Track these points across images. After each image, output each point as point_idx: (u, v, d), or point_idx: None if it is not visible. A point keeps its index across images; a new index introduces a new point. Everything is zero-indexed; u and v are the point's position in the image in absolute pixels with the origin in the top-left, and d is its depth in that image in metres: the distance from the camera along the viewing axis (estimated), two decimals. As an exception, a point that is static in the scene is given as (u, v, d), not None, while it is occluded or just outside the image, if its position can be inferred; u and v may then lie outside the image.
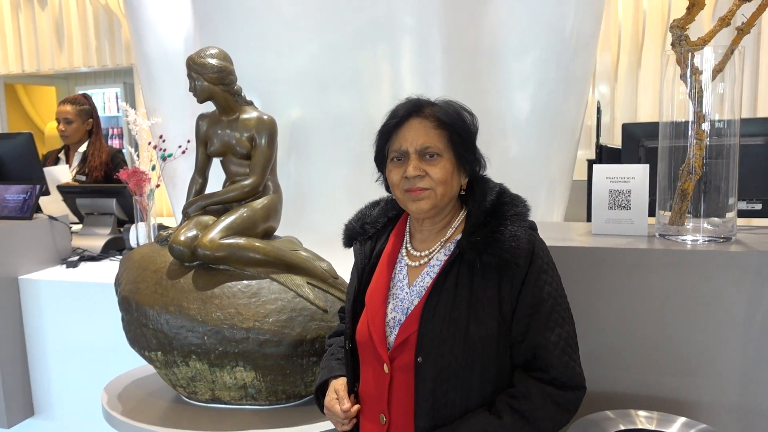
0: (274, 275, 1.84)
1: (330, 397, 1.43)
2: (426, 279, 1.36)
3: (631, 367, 1.85)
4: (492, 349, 1.28)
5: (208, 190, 2.09)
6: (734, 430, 1.79)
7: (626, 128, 2.31)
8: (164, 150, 2.80)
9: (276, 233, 2.06)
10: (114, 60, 6.43)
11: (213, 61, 1.91)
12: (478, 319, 1.27)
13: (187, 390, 1.86)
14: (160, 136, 2.84)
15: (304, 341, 1.77)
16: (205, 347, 1.74)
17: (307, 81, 2.55)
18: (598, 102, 2.87)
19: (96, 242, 3.10)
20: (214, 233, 1.82)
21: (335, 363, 1.50)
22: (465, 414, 1.28)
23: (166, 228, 2.09)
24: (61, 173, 3.49)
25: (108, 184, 3.43)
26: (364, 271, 1.47)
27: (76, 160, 3.68)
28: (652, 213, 2.04)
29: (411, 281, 1.38)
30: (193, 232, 1.86)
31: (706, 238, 1.91)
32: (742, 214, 2.15)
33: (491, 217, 1.31)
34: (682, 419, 1.57)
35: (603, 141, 3.83)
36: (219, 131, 2.00)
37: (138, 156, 3.26)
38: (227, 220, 1.87)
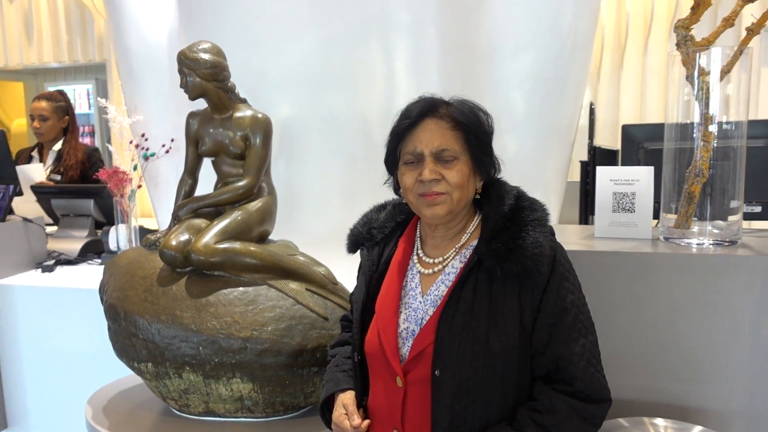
0: (272, 281, 1.76)
1: (338, 413, 1.35)
2: (441, 287, 1.29)
3: (637, 374, 1.81)
4: (513, 360, 1.21)
5: (198, 191, 2.00)
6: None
7: (626, 130, 2.27)
8: (147, 149, 2.68)
9: (269, 237, 1.98)
10: (86, 55, 6.24)
11: (206, 56, 1.82)
12: (498, 329, 1.21)
13: (179, 403, 1.76)
14: (143, 135, 2.72)
15: (305, 351, 1.68)
16: (199, 358, 1.65)
17: (297, 79, 2.46)
18: (591, 103, 2.84)
19: (72, 245, 2.97)
20: (208, 237, 1.73)
21: (341, 375, 1.42)
22: (485, 429, 1.22)
23: (153, 231, 1.99)
24: (35, 172, 3.34)
25: (85, 185, 3.30)
26: (372, 279, 1.39)
27: (50, 158, 3.53)
28: (655, 216, 2.01)
29: (424, 290, 1.31)
30: (186, 237, 1.76)
31: (712, 242, 1.88)
32: (730, 212, 2.13)
33: (510, 222, 1.25)
34: (698, 428, 1.54)
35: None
36: (211, 130, 1.90)
37: (111, 155, 3.17)
38: (222, 224, 1.78)
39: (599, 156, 2.79)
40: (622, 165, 2.31)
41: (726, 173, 1.87)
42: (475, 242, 1.30)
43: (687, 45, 1.91)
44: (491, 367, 1.20)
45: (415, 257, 1.36)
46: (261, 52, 2.41)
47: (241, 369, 1.66)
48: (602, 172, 2.01)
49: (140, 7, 2.78)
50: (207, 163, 2.02)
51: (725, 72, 1.84)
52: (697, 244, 1.88)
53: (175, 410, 1.81)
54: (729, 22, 1.96)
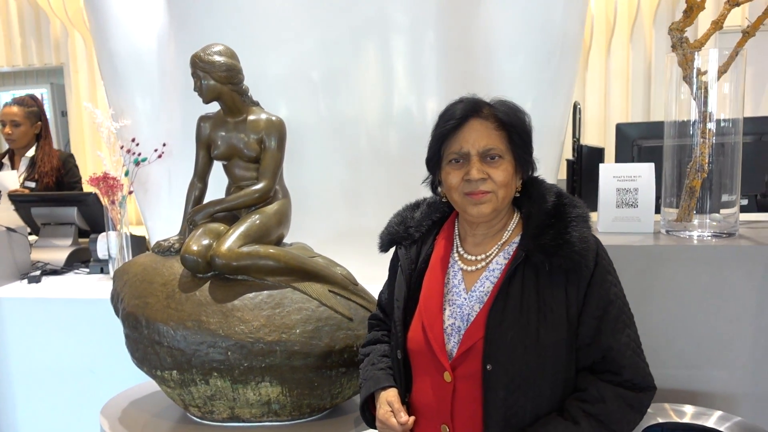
0: (295, 284, 1.75)
1: (384, 410, 1.36)
2: (486, 284, 1.32)
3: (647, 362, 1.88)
4: (561, 353, 1.26)
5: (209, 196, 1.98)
6: (747, 417, 1.86)
7: (620, 128, 2.36)
8: (138, 154, 2.63)
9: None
10: (42, 59, 6.02)
11: (221, 59, 1.80)
12: (547, 323, 1.25)
13: (202, 410, 1.74)
14: (133, 139, 2.66)
15: (333, 352, 1.69)
16: (228, 363, 1.64)
17: (296, 81, 2.46)
18: (577, 102, 2.93)
19: (56, 255, 2.87)
20: (231, 242, 1.71)
21: (380, 373, 1.44)
22: (535, 421, 1.25)
23: (164, 240, 1.94)
24: (8, 180, 3.22)
25: (70, 192, 3.19)
26: (411, 277, 1.41)
27: (23, 165, 3.40)
28: (656, 210, 2.09)
29: (468, 286, 1.34)
30: (207, 241, 1.74)
31: (711, 234, 1.98)
32: (723, 205, 2.24)
33: (555, 219, 1.29)
34: (718, 413, 1.61)
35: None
36: (224, 133, 1.89)
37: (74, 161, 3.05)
38: (242, 228, 1.76)
39: (586, 154, 2.88)
40: (617, 162, 2.39)
41: (724, 168, 1.97)
42: (516, 239, 1.34)
43: (683, 47, 2.00)
44: (542, 360, 1.24)
45: (455, 255, 1.39)
46: (259, 54, 2.39)
47: (271, 372, 1.65)
48: (605, 170, 2.09)
49: (125, 8, 2.71)
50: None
51: (722, 72, 1.94)
52: (698, 236, 1.97)
53: (195, 417, 1.79)
54: (718, 25, 2.06)
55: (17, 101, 3.36)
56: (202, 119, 1.93)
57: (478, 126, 1.30)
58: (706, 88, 1.95)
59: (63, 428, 2.49)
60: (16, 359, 2.50)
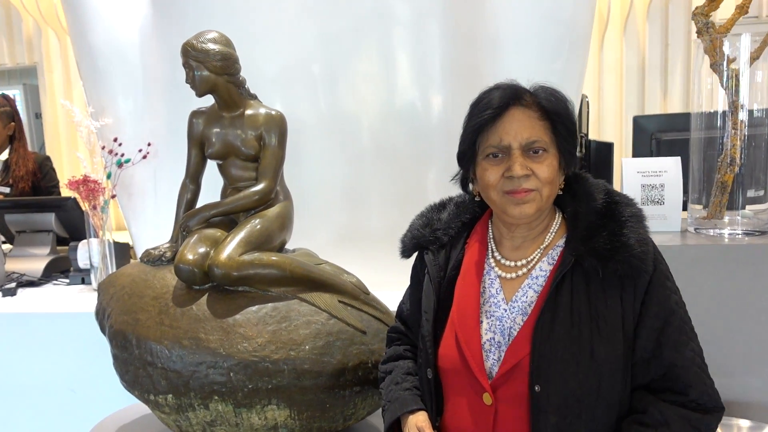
0: (302, 295, 1.59)
1: None
2: (529, 293, 1.18)
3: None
4: (617, 369, 1.11)
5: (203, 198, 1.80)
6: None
7: (637, 121, 2.23)
8: (121, 155, 2.44)
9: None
10: (13, 59, 5.77)
11: (216, 47, 1.63)
12: (602, 336, 1.10)
13: (201, 436, 1.56)
14: (115, 139, 2.47)
15: (346, 369, 1.53)
16: (230, 385, 1.47)
17: (294, 76, 2.29)
18: (584, 95, 2.80)
19: (33, 264, 2.67)
20: (231, 249, 1.54)
21: (406, 394, 1.28)
22: (589, 447, 1.11)
23: (154, 248, 1.76)
24: (-20, 185, 3.01)
25: (47, 197, 2.99)
26: (441, 286, 1.26)
27: (-5, 169, 3.19)
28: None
29: (508, 296, 1.19)
30: (203, 249, 1.57)
31: (743, 232, 1.85)
32: (749, 201, 2.12)
33: (606, 219, 1.15)
34: (747, 422, 1.49)
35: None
36: (220, 130, 1.72)
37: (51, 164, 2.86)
38: (242, 234, 1.59)
39: (594, 149, 2.75)
40: (634, 157, 2.26)
41: (757, 161, 1.85)
42: (560, 242, 1.20)
43: (709, 32, 1.87)
44: (596, 379, 1.10)
45: (491, 260, 1.24)
46: (254, 48, 2.21)
47: (278, 394, 1.48)
48: (629, 164, 1.96)
49: (105, 0, 2.52)
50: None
51: (754, 58, 1.81)
52: (730, 234, 1.85)
53: (193, 445, 1.61)
54: (743, 9, 1.94)
55: (-12, 101, 3.14)
56: (195, 114, 1.76)
57: (520, 115, 1.16)
58: (736, 77, 1.82)
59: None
60: (-9, 379, 2.30)
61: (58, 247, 2.81)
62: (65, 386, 2.25)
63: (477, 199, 1.26)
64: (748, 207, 1.93)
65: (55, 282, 2.61)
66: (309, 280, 1.62)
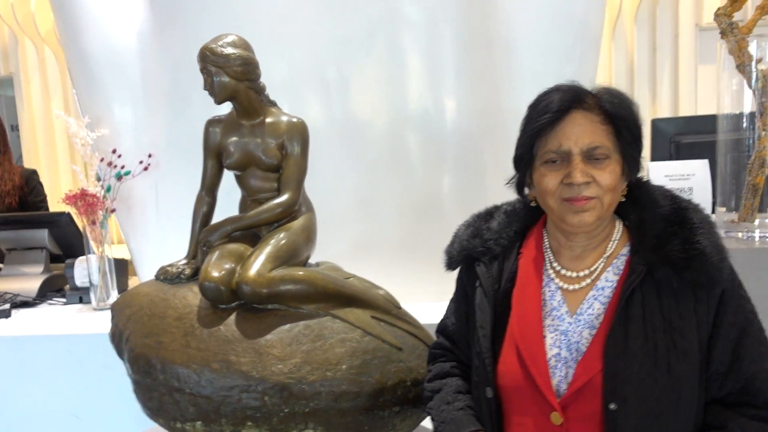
0: (334, 311, 1.51)
1: None
2: (595, 305, 1.11)
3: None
4: (694, 384, 1.06)
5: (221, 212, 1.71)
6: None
7: (655, 124, 2.20)
8: (122, 167, 2.33)
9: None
10: (-12, 69, 5.57)
11: (236, 51, 1.54)
12: (678, 350, 1.05)
13: (231, 465, 1.47)
14: (113, 151, 2.36)
15: (385, 389, 1.45)
16: (265, 410, 1.38)
17: (302, 82, 2.21)
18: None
19: (26, 284, 2.53)
20: (259, 265, 1.45)
21: (461, 414, 1.21)
22: (667, 466, 1.05)
23: (170, 265, 1.66)
24: (-36, 202, 2.86)
25: (39, 212, 2.85)
26: (496, 299, 1.19)
27: (-21, 185, 3.03)
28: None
29: (572, 309, 1.13)
30: (229, 265, 1.48)
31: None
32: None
33: (676, 226, 1.09)
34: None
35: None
36: (239, 139, 1.63)
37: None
38: (269, 248, 1.51)
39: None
40: (652, 161, 2.23)
41: (787, 162, 1.82)
42: (624, 250, 1.14)
43: (734, 33, 1.85)
44: (675, 395, 1.04)
45: (550, 271, 1.17)
46: (261, 53, 2.11)
47: (315, 418, 1.40)
48: (655, 168, 1.92)
49: (99, 4, 2.41)
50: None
51: (783, 58, 1.79)
52: (761, 237, 1.82)
53: (219, 473, 1.51)
54: (765, 9, 1.92)
55: (-29, 113, 2.99)
56: (211, 123, 1.67)
57: (581, 119, 1.10)
58: (765, 77, 1.79)
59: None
60: (-13, 407, 2.16)
61: (52, 265, 2.68)
62: (68, 413, 2.12)
63: (533, 204, 1.20)
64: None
65: (50, 301, 2.48)
66: (340, 296, 1.53)
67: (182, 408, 1.41)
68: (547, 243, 1.21)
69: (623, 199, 1.16)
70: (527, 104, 2.43)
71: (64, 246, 2.65)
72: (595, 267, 1.14)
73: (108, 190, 2.33)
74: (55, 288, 2.57)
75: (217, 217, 1.69)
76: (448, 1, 2.21)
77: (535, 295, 1.15)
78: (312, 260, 1.76)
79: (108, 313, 2.17)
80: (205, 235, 1.58)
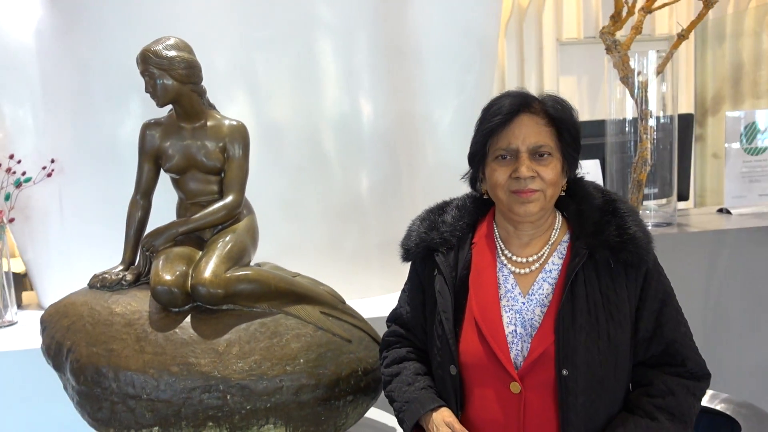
0: (287, 308, 1.55)
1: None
2: (544, 286, 1.27)
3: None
4: (627, 350, 1.24)
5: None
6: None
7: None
8: (23, 173, 2.19)
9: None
10: None
11: (181, 54, 1.54)
12: (615, 321, 1.22)
13: (186, 469, 1.46)
14: (11, 156, 2.21)
15: (341, 379, 1.52)
16: (227, 409, 1.39)
17: (219, 86, 2.20)
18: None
19: None
20: (214, 267, 1.47)
21: (423, 394, 1.31)
22: (608, 422, 1.22)
23: (105, 272, 1.61)
24: None
25: None
26: (455, 285, 1.31)
27: None
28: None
29: (524, 290, 1.27)
30: (181, 268, 1.47)
31: (654, 224, 2.12)
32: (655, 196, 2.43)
33: (610, 215, 1.27)
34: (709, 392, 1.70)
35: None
36: (180, 142, 1.62)
37: None
38: (220, 250, 1.52)
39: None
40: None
41: (664, 161, 2.12)
42: (565, 238, 1.30)
43: (617, 49, 2.13)
44: (614, 359, 1.21)
45: (502, 257, 1.31)
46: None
47: (276, 412, 1.44)
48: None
49: (-11, 0, 2.25)
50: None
51: (659, 72, 2.09)
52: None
53: (172, 479, 1.50)
54: (638, 30, 2.22)
55: None
56: (148, 126, 1.64)
57: (528, 121, 1.24)
58: (645, 88, 2.08)
59: None
60: None
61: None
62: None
63: (485, 197, 1.33)
64: (652, 202, 2.20)
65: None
66: (290, 294, 1.58)
67: (137, 415, 1.39)
68: (497, 233, 1.34)
69: (563, 194, 1.32)
70: (436, 109, 2.60)
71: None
72: (541, 252, 1.29)
73: (7, 198, 2.17)
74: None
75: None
76: (364, 9, 2.31)
77: (492, 280, 1.28)
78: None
79: (7, 331, 2.05)
80: (149, 239, 1.56)
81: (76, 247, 2.32)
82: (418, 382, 1.34)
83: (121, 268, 1.63)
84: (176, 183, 1.67)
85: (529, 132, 1.23)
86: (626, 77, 2.10)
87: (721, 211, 2.54)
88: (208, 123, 1.64)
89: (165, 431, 1.40)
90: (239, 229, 1.62)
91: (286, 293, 1.57)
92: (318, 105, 2.29)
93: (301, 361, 1.48)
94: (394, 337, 1.46)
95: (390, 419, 1.79)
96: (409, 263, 1.42)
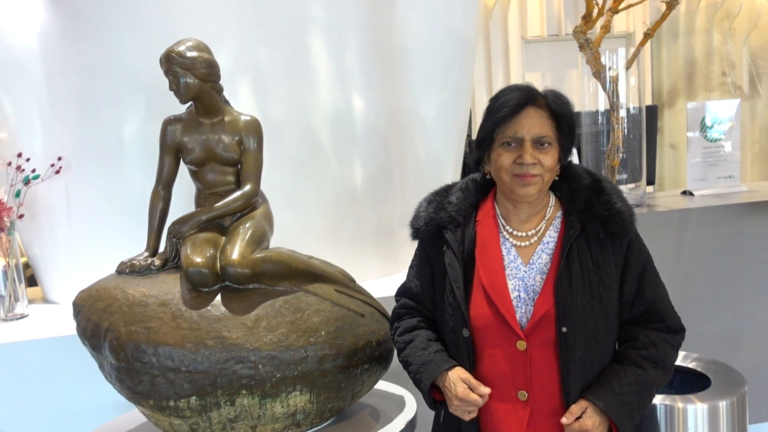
0: (306, 287, 1.70)
1: (461, 388, 1.40)
2: (543, 256, 1.44)
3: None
4: (616, 309, 1.43)
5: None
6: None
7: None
8: (32, 171, 2.27)
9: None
10: None
11: (202, 54, 1.67)
12: (604, 285, 1.41)
13: (218, 436, 1.60)
14: (19, 154, 2.29)
15: (357, 349, 1.67)
16: (259, 377, 1.53)
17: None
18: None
19: None
20: (242, 249, 1.60)
21: (438, 356, 1.47)
22: (600, 372, 1.41)
23: (132, 258, 1.72)
24: None
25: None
26: (463, 258, 1.48)
27: None
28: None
29: (525, 260, 1.45)
30: (209, 251, 1.60)
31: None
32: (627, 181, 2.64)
33: (597, 193, 1.46)
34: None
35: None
36: (199, 136, 1.74)
37: None
38: (243, 234, 1.66)
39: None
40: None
41: (634, 148, 2.33)
42: (558, 214, 1.48)
43: (590, 47, 2.33)
44: (605, 317, 1.40)
45: (504, 233, 1.48)
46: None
47: (302, 380, 1.58)
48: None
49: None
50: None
51: (627, 68, 2.30)
52: (618, 208, 2.31)
53: (204, 448, 1.63)
54: (606, 29, 2.43)
55: None
56: (169, 122, 1.76)
57: (533, 114, 1.41)
58: (616, 82, 2.29)
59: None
60: None
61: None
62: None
63: (488, 177, 1.50)
64: (624, 186, 2.42)
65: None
66: (308, 274, 1.72)
67: (176, 386, 1.52)
68: (498, 211, 1.52)
69: (557, 178, 1.50)
70: (423, 105, 2.75)
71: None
72: (539, 227, 1.47)
73: (17, 195, 2.25)
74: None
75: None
76: (355, 11, 2.45)
77: (497, 252, 1.46)
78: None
79: (20, 323, 2.15)
80: (175, 227, 1.68)
81: (83, 242, 2.41)
82: (431, 347, 1.50)
83: (146, 254, 1.74)
84: (195, 175, 1.80)
85: (533, 123, 1.41)
86: (598, 72, 2.30)
87: (684, 193, 2.79)
88: (225, 118, 1.77)
89: (202, 400, 1.53)
90: (257, 216, 1.75)
91: (304, 273, 1.71)
92: (314, 102, 2.43)
93: (323, 333, 1.62)
94: (405, 309, 1.61)
95: (397, 389, 1.95)
96: (412, 245, 1.58)
